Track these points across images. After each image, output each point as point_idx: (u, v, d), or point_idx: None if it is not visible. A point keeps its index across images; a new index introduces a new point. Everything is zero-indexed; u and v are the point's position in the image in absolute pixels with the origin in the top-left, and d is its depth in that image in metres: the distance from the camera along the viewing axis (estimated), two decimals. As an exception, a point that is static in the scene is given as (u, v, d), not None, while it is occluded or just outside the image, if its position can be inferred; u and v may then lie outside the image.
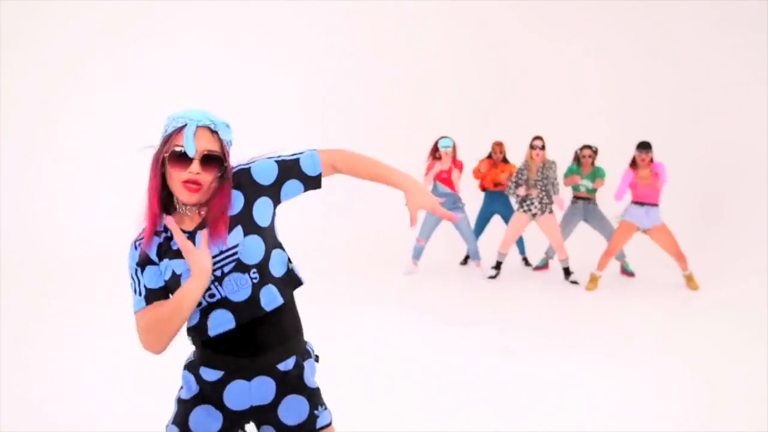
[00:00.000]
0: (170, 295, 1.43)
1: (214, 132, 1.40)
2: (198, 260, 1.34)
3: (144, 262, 1.41)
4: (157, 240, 1.42)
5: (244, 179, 1.45)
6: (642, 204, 5.41)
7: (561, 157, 6.32)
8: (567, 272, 5.82)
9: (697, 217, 7.33)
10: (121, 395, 3.07)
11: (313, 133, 8.17)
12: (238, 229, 1.40)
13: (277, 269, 1.46)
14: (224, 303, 1.39)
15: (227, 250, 1.38)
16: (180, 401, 1.48)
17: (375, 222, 7.53)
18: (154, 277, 1.41)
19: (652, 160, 5.39)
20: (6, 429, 2.69)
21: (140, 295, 1.40)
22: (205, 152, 1.37)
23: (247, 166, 1.48)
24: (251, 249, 1.40)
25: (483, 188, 6.55)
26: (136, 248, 1.43)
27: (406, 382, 3.30)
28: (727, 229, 7.10)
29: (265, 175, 1.47)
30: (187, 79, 7.63)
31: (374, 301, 5.04)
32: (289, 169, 1.48)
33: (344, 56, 8.45)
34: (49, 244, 6.42)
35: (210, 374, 1.44)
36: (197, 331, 1.43)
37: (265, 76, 8.07)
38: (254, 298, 1.40)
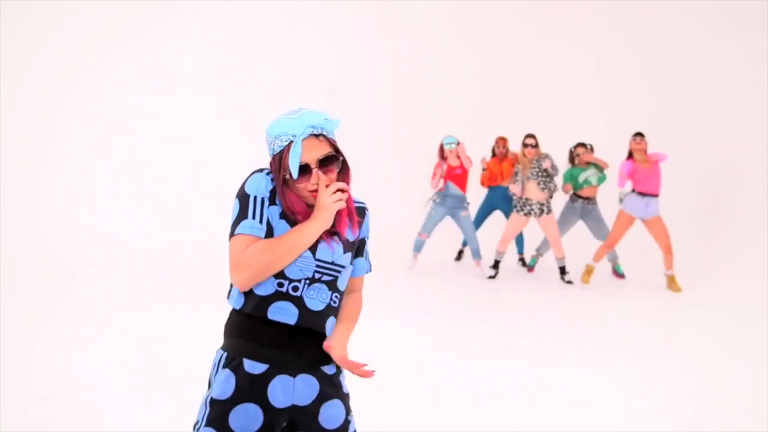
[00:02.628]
0: None
1: (318, 135, 1.43)
2: (326, 200, 1.39)
3: (270, 199, 1.42)
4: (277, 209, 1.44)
5: (361, 217, 1.57)
6: (644, 195, 5.41)
7: (560, 155, 6.30)
8: (563, 271, 5.82)
9: (695, 214, 7.33)
10: (121, 395, 3.07)
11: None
12: (349, 255, 1.51)
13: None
14: (297, 301, 1.42)
15: (337, 265, 1.46)
16: (214, 402, 1.41)
17: (374, 222, 7.53)
18: (272, 217, 1.42)
19: (646, 151, 5.43)
20: (6, 429, 2.69)
21: (260, 222, 1.39)
22: (319, 158, 1.41)
23: (363, 207, 1.60)
24: (345, 278, 1.52)
25: (490, 185, 6.52)
26: (267, 175, 1.44)
27: (406, 382, 3.30)
28: (726, 227, 7.10)
29: (365, 232, 1.60)
30: (187, 79, 7.64)
31: (373, 300, 5.02)
32: (359, 252, 1.60)
33: (346, 56, 8.45)
34: (50, 244, 6.42)
35: (255, 367, 1.41)
36: (258, 304, 1.42)
37: (267, 77, 8.07)
38: (321, 317, 1.46)
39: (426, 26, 8.72)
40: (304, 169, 1.40)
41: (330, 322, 1.48)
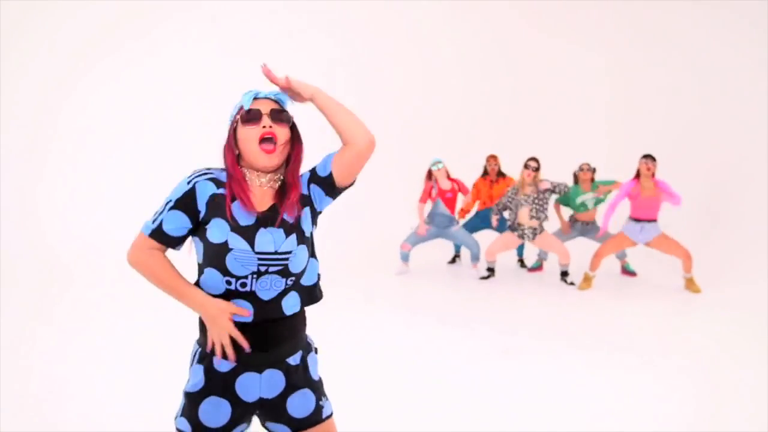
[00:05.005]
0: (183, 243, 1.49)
1: (276, 101, 1.49)
2: (218, 316, 1.40)
3: (183, 204, 1.42)
4: (213, 189, 1.43)
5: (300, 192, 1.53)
6: (638, 221, 5.38)
7: (561, 172, 6.29)
8: (564, 275, 5.81)
9: (697, 218, 7.33)
10: (121, 395, 3.08)
11: (312, 133, 8.16)
12: (293, 238, 1.44)
13: (308, 278, 1.51)
14: (250, 296, 1.42)
15: (282, 254, 1.42)
16: (188, 394, 1.49)
17: (370, 223, 7.54)
18: (176, 225, 1.43)
19: (654, 174, 5.34)
20: (6, 429, 2.70)
21: (154, 224, 1.44)
22: (273, 107, 1.46)
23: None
24: (299, 258, 1.45)
25: (483, 206, 6.47)
26: (188, 184, 1.43)
27: (405, 383, 3.31)
28: (728, 230, 7.10)
29: (304, 185, 1.52)
30: (187, 79, 7.64)
31: (370, 302, 5.05)
32: (311, 175, 1.53)
33: (344, 60, 8.45)
34: (49, 244, 6.43)
35: (223, 365, 1.46)
36: None
37: (264, 78, 8.07)
38: (278, 300, 1.44)
39: (426, 36, 8.73)
40: (256, 115, 1.43)
41: (287, 300, 1.46)
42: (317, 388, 1.57)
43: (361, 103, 8.35)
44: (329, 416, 1.58)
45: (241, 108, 1.46)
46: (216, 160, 1.57)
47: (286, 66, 8.57)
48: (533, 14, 8.75)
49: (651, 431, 2.78)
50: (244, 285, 1.41)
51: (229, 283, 1.40)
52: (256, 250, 1.40)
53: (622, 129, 8.14)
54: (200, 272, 1.45)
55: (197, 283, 1.46)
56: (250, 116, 1.43)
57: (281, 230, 1.43)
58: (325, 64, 8.34)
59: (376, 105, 8.52)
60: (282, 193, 1.47)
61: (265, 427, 1.58)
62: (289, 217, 1.44)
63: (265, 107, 1.45)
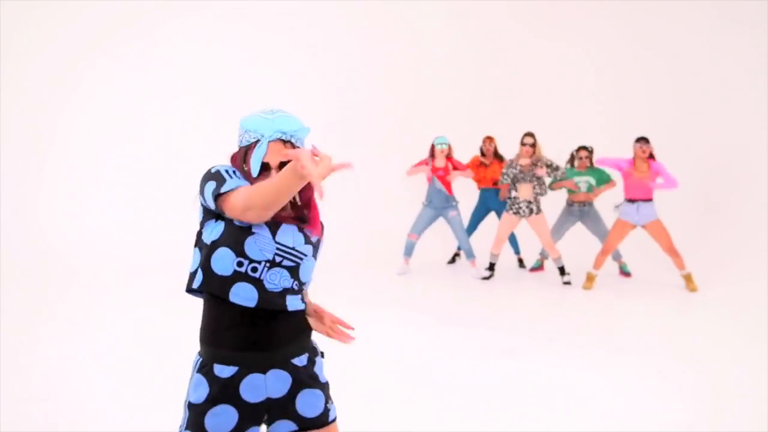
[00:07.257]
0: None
1: (286, 141, 1.46)
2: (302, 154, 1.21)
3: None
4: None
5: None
6: (633, 201, 5.43)
7: (557, 157, 6.31)
8: (562, 271, 5.81)
9: (696, 216, 7.33)
10: (121, 395, 3.08)
11: (310, 132, 8.14)
12: (310, 248, 1.52)
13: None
14: (257, 283, 1.43)
15: (298, 251, 1.48)
16: (191, 406, 1.46)
17: (369, 223, 7.54)
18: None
19: (651, 156, 5.40)
20: (6, 429, 2.70)
21: (227, 186, 1.36)
22: (281, 162, 1.45)
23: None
24: (307, 269, 1.53)
25: (480, 187, 6.56)
26: (226, 172, 1.44)
27: (405, 383, 3.31)
28: (727, 228, 7.10)
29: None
30: (187, 79, 7.64)
31: (370, 301, 5.04)
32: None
33: (340, 56, 8.45)
34: (50, 244, 6.43)
35: (225, 371, 1.44)
36: (221, 284, 1.41)
37: (263, 76, 8.07)
38: (281, 296, 1.46)
39: (421, 27, 8.72)
40: (264, 168, 1.45)
41: (290, 299, 1.47)
42: (324, 389, 1.57)
43: (359, 99, 8.40)
44: (334, 420, 1.58)
45: (248, 152, 1.45)
46: (218, 160, 1.56)
47: (287, 59, 8.52)
48: (530, 6, 8.73)
49: (651, 431, 2.78)
50: (255, 270, 1.42)
51: (240, 264, 1.42)
52: (277, 239, 1.45)
53: (620, 123, 8.11)
54: (211, 250, 1.43)
55: (205, 263, 1.44)
56: (259, 172, 1.46)
57: (301, 235, 1.50)
58: (322, 62, 8.35)
59: (374, 102, 8.53)
60: (299, 209, 1.53)
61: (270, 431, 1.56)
62: (311, 235, 1.53)
63: (275, 159, 1.45)
